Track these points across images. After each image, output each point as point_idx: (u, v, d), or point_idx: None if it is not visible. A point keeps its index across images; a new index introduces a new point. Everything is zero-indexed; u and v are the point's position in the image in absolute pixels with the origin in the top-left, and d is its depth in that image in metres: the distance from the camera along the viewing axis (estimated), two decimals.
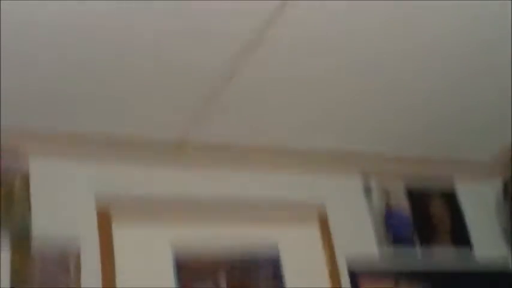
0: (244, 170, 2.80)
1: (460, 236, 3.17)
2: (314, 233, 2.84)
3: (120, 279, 2.38)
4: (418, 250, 3.01)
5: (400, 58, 2.42)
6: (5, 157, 2.36)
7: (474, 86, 2.72)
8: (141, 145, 2.61)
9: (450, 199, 3.24)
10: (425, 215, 3.14)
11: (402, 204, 3.11)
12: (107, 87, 2.29)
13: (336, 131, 2.89)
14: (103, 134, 2.53)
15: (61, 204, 2.41)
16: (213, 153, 2.75)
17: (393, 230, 3.02)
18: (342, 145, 2.98)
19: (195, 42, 2.12)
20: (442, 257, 3.04)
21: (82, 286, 2.29)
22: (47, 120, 2.40)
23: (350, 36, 2.24)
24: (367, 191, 3.05)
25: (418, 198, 3.15)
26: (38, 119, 2.38)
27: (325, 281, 2.75)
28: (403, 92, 2.67)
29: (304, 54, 2.29)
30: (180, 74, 2.28)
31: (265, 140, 2.82)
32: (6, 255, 2.24)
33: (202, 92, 2.42)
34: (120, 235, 2.46)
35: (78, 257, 2.33)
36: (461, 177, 3.28)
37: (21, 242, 2.27)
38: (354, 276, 2.81)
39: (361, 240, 2.93)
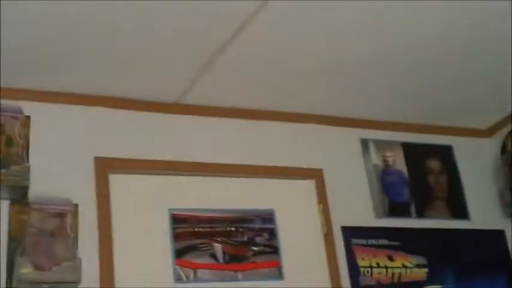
0: (241, 134, 2.83)
1: (457, 200, 3.24)
2: (311, 199, 2.87)
3: (116, 234, 2.43)
4: (414, 218, 3.07)
5: (400, 25, 2.43)
6: (4, 109, 2.38)
7: (474, 55, 2.73)
8: (139, 105, 2.64)
9: (447, 161, 3.30)
10: (422, 177, 3.21)
11: (400, 168, 3.16)
12: (106, 48, 2.31)
13: (334, 97, 2.91)
14: (102, 94, 2.57)
15: (59, 159, 2.44)
16: (209, 116, 2.78)
17: (390, 193, 3.07)
18: (340, 111, 3.02)
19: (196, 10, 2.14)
20: (438, 225, 3.10)
21: (79, 237, 2.34)
22: (44, 80, 2.43)
23: (344, 3, 2.23)
24: (365, 156, 3.09)
25: (414, 158, 3.21)
26: (36, 78, 2.40)
27: (320, 248, 2.80)
28: (402, 59, 2.68)
29: (297, 23, 2.30)
30: (177, 40, 2.30)
31: (261, 104, 2.85)
32: (5, 206, 2.28)
33: (200, 57, 2.44)
34: (117, 191, 2.51)
35: (75, 210, 2.37)
36: (458, 142, 3.34)
37: (20, 192, 2.30)
38: (349, 245, 2.86)
39: (358, 207, 2.97)
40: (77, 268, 2.29)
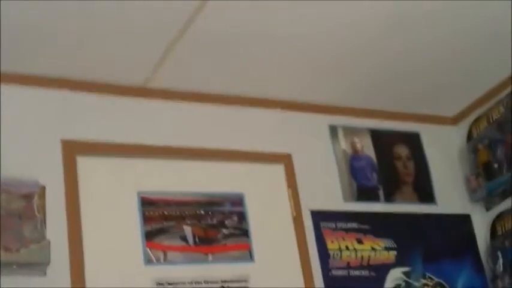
0: (210, 119, 2.86)
1: (424, 185, 3.31)
2: (280, 183, 2.91)
3: (85, 216, 2.45)
4: (382, 202, 3.14)
5: (368, 13, 2.50)
6: None
7: (440, 44, 2.82)
8: (106, 89, 2.66)
9: (414, 147, 3.37)
10: (390, 162, 3.27)
11: (368, 153, 3.22)
12: (72, 32, 2.35)
13: (304, 83, 2.96)
14: (69, 77, 2.58)
15: (27, 141, 2.45)
16: (177, 100, 2.80)
17: (359, 178, 3.13)
18: (309, 97, 3.07)
19: None
20: (405, 209, 3.17)
21: (48, 219, 2.35)
22: (11, 64, 2.43)
23: None
24: (334, 142, 3.14)
25: (382, 144, 3.27)
26: (2, 61, 2.39)
27: (290, 232, 2.84)
28: (370, 47, 2.76)
29: (264, 6, 2.35)
30: (140, 24, 2.35)
31: (229, 89, 2.88)
32: None
33: (161, 41, 2.49)
34: (86, 173, 2.52)
35: (43, 191, 2.38)
36: (425, 130, 3.41)
37: None
38: (318, 228, 2.90)
39: (327, 192, 3.01)
40: (45, 249, 2.30)
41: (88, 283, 2.37)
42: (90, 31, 2.37)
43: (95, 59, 2.54)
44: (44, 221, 2.35)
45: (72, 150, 2.52)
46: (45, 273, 2.29)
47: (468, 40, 2.84)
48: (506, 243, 3.13)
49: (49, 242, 2.31)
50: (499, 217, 3.23)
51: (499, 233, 3.21)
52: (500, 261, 3.12)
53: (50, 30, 2.32)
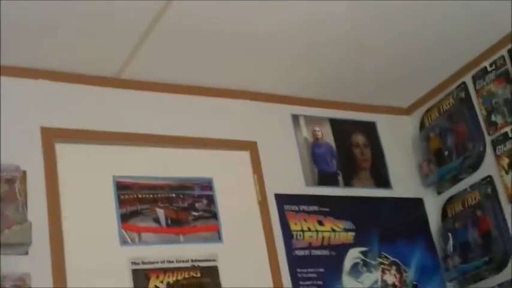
0: (181, 109, 2.94)
1: (380, 171, 3.42)
2: (246, 168, 3.00)
3: (64, 200, 2.53)
4: (341, 186, 3.25)
5: (325, 5, 2.58)
6: None
7: (395, 39, 2.95)
8: (82, 79, 2.73)
9: (371, 135, 3.47)
10: (348, 149, 3.38)
11: (328, 141, 3.32)
12: (50, 26, 2.43)
13: (268, 75, 3.06)
14: (47, 68, 2.66)
15: (9, 129, 2.50)
16: (149, 91, 2.88)
17: (319, 164, 3.22)
18: (273, 88, 3.17)
19: None
20: (363, 193, 3.29)
21: (29, 202, 2.43)
22: None
23: None
24: (296, 130, 3.23)
25: (341, 132, 3.37)
26: None
27: (256, 214, 2.93)
28: (332, 44, 2.88)
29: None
30: (114, 17, 2.44)
31: (198, 81, 2.97)
32: None
33: (132, 35, 2.59)
34: (64, 159, 2.59)
35: (24, 176, 2.45)
36: (381, 119, 3.53)
37: None
38: (282, 210, 2.99)
39: (290, 177, 3.10)
40: (27, 230, 2.37)
41: (67, 262, 2.44)
42: (67, 26, 2.45)
43: (71, 52, 2.61)
44: (25, 204, 2.42)
45: (51, 137, 2.58)
46: (27, 253, 2.36)
47: (420, 39, 2.96)
48: (456, 225, 3.24)
49: (30, 224, 2.37)
50: (450, 201, 3.34)
51: (450, 215, 3.32)
52: (451, 241, 3.22)
53: (31, 25, 2.39)
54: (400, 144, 3.54)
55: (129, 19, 2.48)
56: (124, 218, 2.63)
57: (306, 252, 2.98)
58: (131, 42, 2.63)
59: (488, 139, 3.17)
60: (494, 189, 3.12)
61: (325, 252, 3.03)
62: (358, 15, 2.71)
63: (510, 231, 3.01)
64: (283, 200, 3.01)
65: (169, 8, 2.45)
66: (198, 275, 2.67)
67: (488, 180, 3.15)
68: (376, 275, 3.11)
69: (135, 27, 2.54)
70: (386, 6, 2.67)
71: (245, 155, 3.03)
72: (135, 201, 2.68)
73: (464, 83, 3.30)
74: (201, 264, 2.69)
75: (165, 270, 2.61)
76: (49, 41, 2.52)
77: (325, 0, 2.57)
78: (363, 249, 3.13)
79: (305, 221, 3.03)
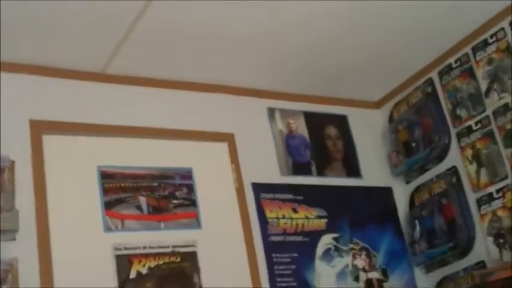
0: (162, 102, 3.01)
1: (351, 162, 3.51)
2: (224, 159, 3.08)
3: (50, 188, 2.60)
4: (314, 176, 3.32)
5: (306, 15, 2.71)
6: None
7: (366, 42, 3.06)
8: (69, 74, 2.81)
9: (343, 128, 3.56)
10: (321, 141, 3.45)
11: (302, 133, 3.40)
12: (40, 24, 2.51)
13: (245, 70, 3.13)
14: (37, 64, 2.74)
15: None
16: (132, 85, 2.96)
17: (294, 155, 3.30)
18: (250, 83, 3.24)
19: None
20: (335, 182, 3.37)
21: (17, 191, 2.50)
22: None
23: None
24: (272, 122, 3.31)
25: (315, 125, 3.46)
26: None
27: (233, 201, 3.01)
28: (306, 44, 2.98)
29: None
30: (98, 16, 2.53)
31: (178, 75, 3.04)
32: None
33: (115, 33, 2.66)
34: (51, 150, 2.67)
35: (12, 165, 2.53)
36: (352, 112, 3.61)
37: None
38: (258, 198, 3.07)
39: (266, 166, 3.18)
40: (15, 218, 2.45)
41: (53, 247, 2.51)
42: (55, 24, 2.53)
43: (59, 49, 2.69)
44: (13, 193, 2.50)
45: (39, 129, 2.66)
46: (14, 239, 2.43)
47: (389, 37, 3.06)
48: (423, 212, 3.32)
49: (18, 211, 2.45)
50: (417, 190, 3.44)
51: (417, 203, 3.41)
52: (418, 228, 3.31)
53: (22, 22, 2.47)
54: (370, 136, 3.62)
55: (112, 18, 2.56)
56: (108, 206, 2.71)
57: (281, 238, 3.05)
58: (115, 39, 2.70)
59: (453, 132, 3.26)
60: (459, 179, 3.22)
61: (299, 239, 3.10)
62: (330, 15, 2.79)
63: (473, 218, 3.12)
64: (259, 188, 3.08)
65: (149, 8, 2.53)
66: (178, 259, 2.74)
67: (453, 171, 3.25)
68: (347, 259, 3.19)
69: (119, 25, 2.62)
70: (357, 5, 2.75)
71: (223, 146, 3.10)
72: (119, 190, 2.75)
73: (430, 78, 3.39)
74: (181, 249, 2.76)
75: (146, 255, 2.68)
76: (37, 38, 2.60)
77: (299, 1, 2.65)
78: (335, 235, 3.20)
79: (280, 208, 3.10)
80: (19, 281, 2.40)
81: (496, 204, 3.03)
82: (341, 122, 3.57)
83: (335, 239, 3.20)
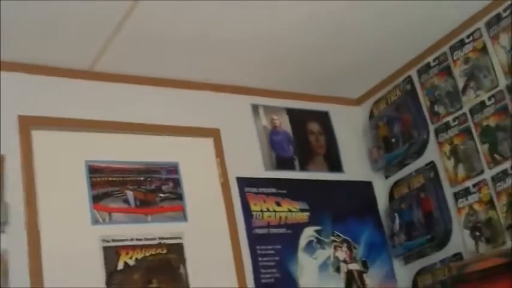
0: (149, 98, 3.05)
1: (333, 157, 3.56)
2: (210, 154, 3.12)
3: (39, 182, 2.64)
4: (297, 170, 3.38)
5: (281, 1, 2.70)
6: None
7: (348, 41, 3.12)
8: (58, 72, 2.84)
9: (325, 124, 3.61)
10: (304, 136, 3.51)
11: (285, 129, 3.46)
12: (30, 24, 2.55)
13: (230, 68, 3.17)
14: (25, 62, 2.77)
15: None
16: (120, 82, 3.00)
17: (277, 150, 3.36)
18: (234, 80, 3.29)
19: None
20: (317, 176, 3.42)
21: (6, 185, 2.54)
22: None
23: None
24: (256, 119, 3.36)
25: (297, 121, 3.51)
26: None
27: (219, 195, 3.06)
28: (290, 43, 3.03)
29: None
30: (86, 15, 2.56)
31: (164, 73, 3.07)
32: None
33: (103, 32, 2.69)
34: (40, 145, 2.70)
35: (2, 160, 2.56)
36: (334, 109, 3.67)
37: None
38: (243, 192, 3.12)
39: (250, 161, 3.23)
40: (4, 211, 2.49)
41: (42, 239, 2.55)
42: (45, 23, 2.56)
43: (47, 47, 2.72)
44: (3, 186, 2.53)
45: (28, 124, 2.69)
46: (4, 231, 2.47)
47: (370, 36, 3.10)
48: (402, 206, 3.39)
49: (7, 204, 2.50)
50: (396, 184, 3.50)
51: (396, 197, 3.47)
52: (397, 221, 3.38)
53: (15, 21, 2.49)
54: (351, 132, 3.68)
55: (100, 17, 2.59)
56: (95, 199, 2.74)
57: (265, 230, 3.11)
58: (102, 38, 2.74)
59: (431, 128, 3.32)
60: (437, 174, 3.28)
61: (282, 231, 3.15)
62: (309, 14, 2.83)
63: (450, 212, 3.19)
64: (244, 182, 3.13)
65: (136, 8, 2.57)
66: (165, 251, 2.78)
67: (432, 166, 3.31)
68: (329, 251, 3.25)
69: (106, 24, 2.65)
70: (335, 7, 2.80)
71: (209, 141, 3.14)
72: (106, 184, 2.79)
73: (410, 76, 3.45)
74: (167, 241, 2.80)
75: (134, 247, 2.72)
76: (27, 37, 2.62)
77: (280, 0, 2.70)
78: (317, 228, 3.26)
79: (264, 202, 3.16)
80: (9, 272, 2.42)
81: (473, 198, 3.09)
82: (323, 118, 3.62)
83: (317, 231, 3.25)
